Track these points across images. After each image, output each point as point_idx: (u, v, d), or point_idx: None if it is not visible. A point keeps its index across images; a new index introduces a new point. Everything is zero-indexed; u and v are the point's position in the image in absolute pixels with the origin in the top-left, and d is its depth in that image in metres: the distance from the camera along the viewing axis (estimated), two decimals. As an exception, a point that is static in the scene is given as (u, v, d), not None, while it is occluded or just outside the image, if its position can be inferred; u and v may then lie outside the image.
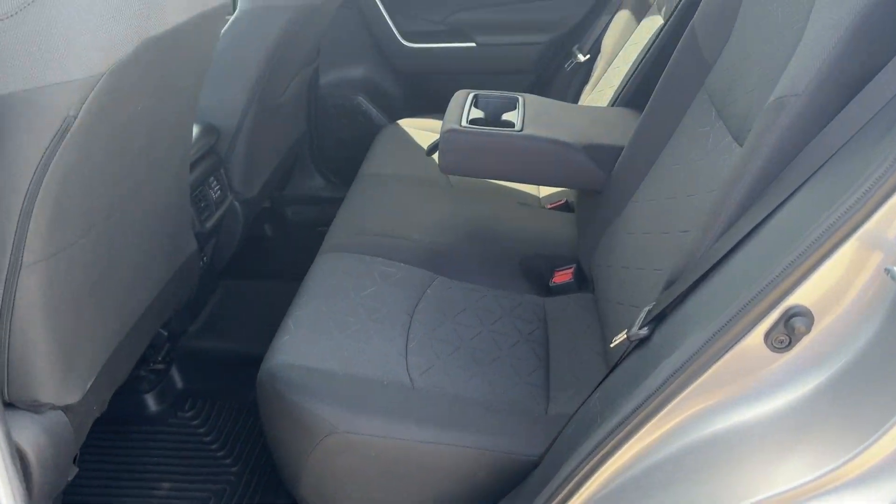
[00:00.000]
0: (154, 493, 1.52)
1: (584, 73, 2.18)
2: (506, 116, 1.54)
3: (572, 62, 2.21)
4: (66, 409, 1.10)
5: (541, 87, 2.34)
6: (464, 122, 1.46)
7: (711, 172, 1.08)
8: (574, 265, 1.52)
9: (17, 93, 0.85)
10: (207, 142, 1.66)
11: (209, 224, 1.63)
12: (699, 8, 1.28)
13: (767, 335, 0.75)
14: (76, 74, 0.86)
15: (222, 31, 1.66)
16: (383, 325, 1.27)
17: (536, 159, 1.43)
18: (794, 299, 0.74)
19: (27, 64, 0.84)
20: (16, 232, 0.93)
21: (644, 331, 0.89)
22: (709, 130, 1.15)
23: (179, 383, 1.69)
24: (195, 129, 1.64)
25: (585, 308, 1.40)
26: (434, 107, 2.34)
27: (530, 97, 1.63)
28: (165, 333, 1.61)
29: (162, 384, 1.65)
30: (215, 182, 1.71)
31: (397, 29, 2.25)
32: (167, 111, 1.15)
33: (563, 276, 1.50)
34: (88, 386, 1.14)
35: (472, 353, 1.25)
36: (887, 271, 0.69)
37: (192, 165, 1.60)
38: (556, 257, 1.56)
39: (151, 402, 1.63)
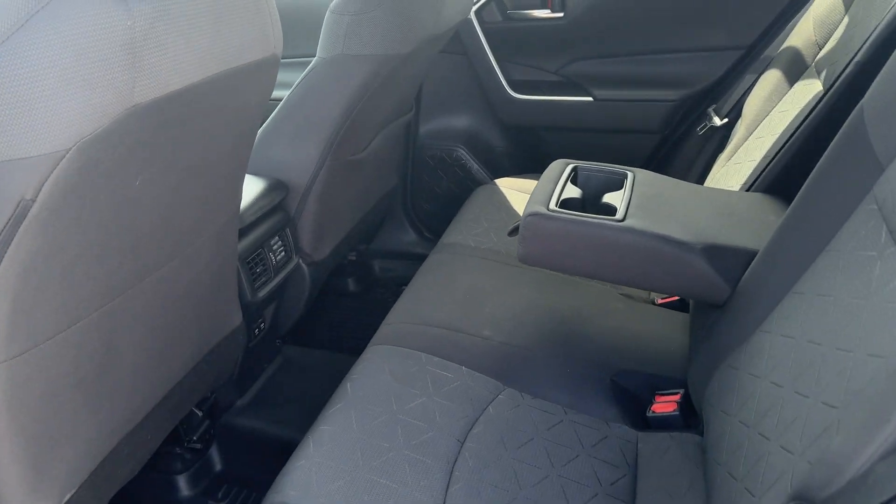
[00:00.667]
0: None
1: (719, 140, 1.85)
2: (608, 198, 1.26)
3: (706, 126, 1.89)
4: (35, 525, 0.93)
5: (666, 151, 2.03)
6: (552, 205, 1.20)
7: (878, 324, 0.76)
8: (682, 391, 1.21)
9: (-42, 171, 0.69)
10: (271, 200, 1.49)
11: (263, 293, 1.46)
12: (873, 84, 0.96)
13: None
14: (31, 151, 0.69)
15: (299, 79, 1.50)
16: (423, 454, 1.03)
17: (639, 259, 1.14)
18: None
19: (-31, 138, 0.67)
20: (-35, 331, 0.77)
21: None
22: (875, 257, 0.83)
23: (218, 465, 1.52)
24: (260, 185, 1.49)
25: (690, 457, 1.09)
26: (541, 166, 2.09)
27: (642, 174, 1.34)
28: (200, 413, 1.45)
29: (198, 465, 1.49)
30: (279, 243, 1.54)
31: (505, 78, 2.02)
32: (188, 181, 0.98)
33: (665, 406, 1.19)
34: (67, 498, 0.97)
35: (530, 509, 0.98)
36: None
37: (252, 226, 1.44)
38: (659, 376, 1.26)
39: (183, 485, 1.46)
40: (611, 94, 1.98)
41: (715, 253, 1.12)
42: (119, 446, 1.05)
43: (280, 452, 1.52)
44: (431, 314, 1.34)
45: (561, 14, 1.96)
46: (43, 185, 0.71)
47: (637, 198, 1.24)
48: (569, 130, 2.04)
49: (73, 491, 0.97)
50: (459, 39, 2.01)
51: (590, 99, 2.00)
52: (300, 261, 1.64)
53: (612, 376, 1.25)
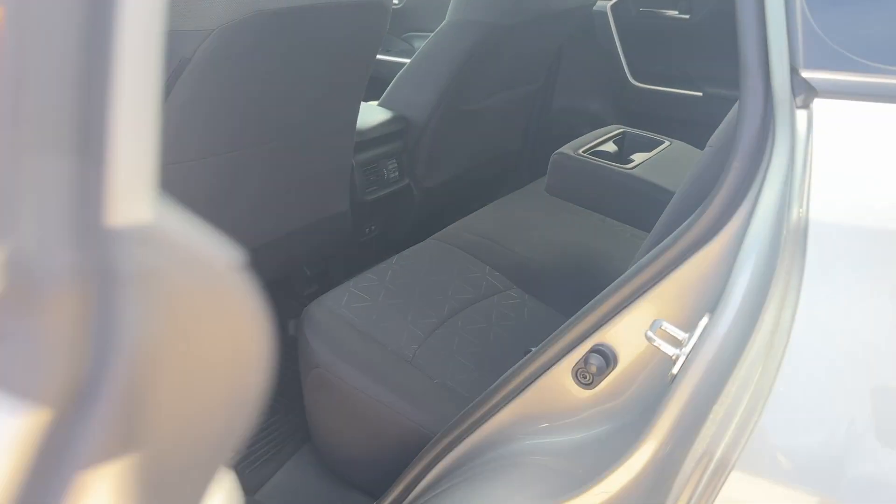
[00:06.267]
0: None
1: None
2: (635, 156, 1.52)
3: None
4: None
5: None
6: (580, 150, 1.49)
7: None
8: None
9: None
10: (392, 127, 1.91)
11: (372, 197, 1.88)
12: None
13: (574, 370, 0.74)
14: (192, 26, 1.15)
15: (432, 35, 1.90)
16: (429, 307, 1.39)
17: (636, 202, 1.40)
18: (598, 338, 0.71)
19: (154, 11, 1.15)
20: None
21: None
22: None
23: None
24: (386, 115, 1.92)
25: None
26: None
27: (679, 145, 1.58)
28: (309, 272, 1.90)
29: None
30: (395, 164, 1.96)
31: (629, 66, 2.27)
32: (304, 85, 1.41)
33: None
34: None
35: (486, 357, 1.29)
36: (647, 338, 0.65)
37: (373, 143, 1.87)
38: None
39: (293, 329, 1.93)
40: (718, 91, 2.17)
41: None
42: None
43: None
44: (482, 228, 1.68)
45: (687, 16, 2.18)
46: (196, 51, 1.17)
47: (658, 159, 1.49)
48: (681, 122, 2.25)
49: None
50: (594, 29, 2.30)
51: (699, 94, 2.19)
52: (411, 183, 2.05)
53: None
